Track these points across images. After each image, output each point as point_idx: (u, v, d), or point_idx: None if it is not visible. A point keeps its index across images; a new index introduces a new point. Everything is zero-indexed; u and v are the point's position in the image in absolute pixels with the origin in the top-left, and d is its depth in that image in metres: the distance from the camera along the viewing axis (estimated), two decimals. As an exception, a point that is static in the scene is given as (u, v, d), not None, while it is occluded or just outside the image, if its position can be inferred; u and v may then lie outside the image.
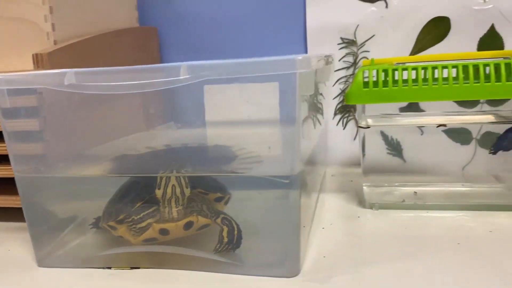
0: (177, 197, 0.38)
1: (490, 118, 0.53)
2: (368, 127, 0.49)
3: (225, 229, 0.39)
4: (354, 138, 0.69)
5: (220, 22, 0.70)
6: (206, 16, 0.70)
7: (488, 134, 0.56)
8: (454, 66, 0.43)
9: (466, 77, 0.42)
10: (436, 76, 0.43)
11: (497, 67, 0.42)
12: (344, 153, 0.69)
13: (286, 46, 0.69)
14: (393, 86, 0.44)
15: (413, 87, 0.43)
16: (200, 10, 0.71)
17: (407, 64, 0.45)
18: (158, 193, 0.38)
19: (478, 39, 0.62)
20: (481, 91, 0.42)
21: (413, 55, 0.64)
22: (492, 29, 0.62)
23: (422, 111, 0.57)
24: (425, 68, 0.44)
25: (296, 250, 0.36)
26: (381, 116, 0.56)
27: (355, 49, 0.66)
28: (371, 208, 0.50)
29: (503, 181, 0.53)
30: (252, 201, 0.40)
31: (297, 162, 0.35)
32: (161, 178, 0.38)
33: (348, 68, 0.67)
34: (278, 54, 0.70)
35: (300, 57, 0.31)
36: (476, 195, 0.51)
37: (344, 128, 0.69)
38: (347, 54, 0.66)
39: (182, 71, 0.32)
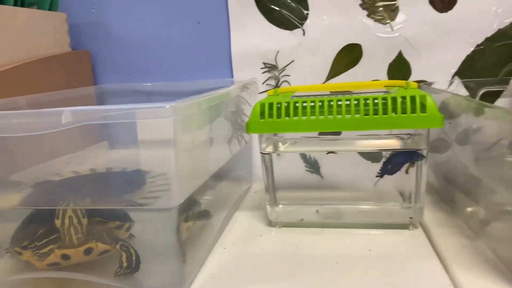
0: (75, 226, 0.41)
1: (394, 142, 0.57)
2: (268, 153, 0.53)
3: (124, 254, 0.42)
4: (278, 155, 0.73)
5: (152, 45, 0.74)
6: (138, 40, 0.74)
7: (396, 153, 0.61)
8: (339, 100, 0.47)
9: (348, 110, 0.47)
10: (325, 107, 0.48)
11: (375, 100, 0.47)
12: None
13: (213, 69, 0.72)
14: (285, 118, 0.48)
15: (302, 118, 0.47)
16: (132, 33, 0.74)
17: (300, 97, 0.49)
18: (58, 222, 0.41)
19: (388, 64, 0.67)
20: (359, 124, 0.46)
21: (329, 79, 0.69)
22: (400, 55, 0.67)
23: (339, 133, 0.61)
24: (313, 101, 0.48)
25: (179, 273, 0.40)
26: (300, 138, 0.60)
27: (276, 73, 0.70)
28: (275, 226, 0.54)
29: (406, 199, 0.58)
30: (147, 224, 0.43)
31: (176, 196, 0.38)
32: (59, 209, 0.41)
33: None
34: (207, 77, 0.74)
35: (168, 105, 0.35)
36: (376, 213, 0.56)
37: (269, 147, 0.73)
38: (269, 77, 0.70)
39: (65, 115, 0.35)
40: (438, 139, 0.61)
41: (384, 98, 0.46)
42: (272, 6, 0.68)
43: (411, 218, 0.52)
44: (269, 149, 0.54)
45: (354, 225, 0.53)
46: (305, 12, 0.68)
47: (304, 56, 0.69)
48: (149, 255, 0.42)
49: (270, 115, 0.48)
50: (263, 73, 0.70)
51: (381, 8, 0.66)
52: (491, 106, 0.44)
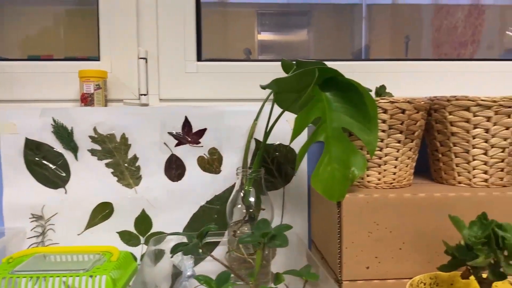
0: None
1: None
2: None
3: None
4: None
5: None
6: None
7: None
8: (44, 276, 0.62)
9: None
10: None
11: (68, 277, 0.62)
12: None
13: (-12, 217, 0.84)
14: (-1, 291, 0.61)
15: (12, 292, 0.61)
16: None
17: (17, 273, 0.63)
18: None
19: (134, 218, 0.85)
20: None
21: (87, 229, 0.85)
22: (143, 212, 0.85)
23: None
24: (25, 277, 0.62)
25: None
26: None
27: (43, 222, 0.84)
28: None
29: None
30: None
31: None
32: None
33: (38, 236, 0.84)
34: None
35: None
36: None
37: None
38: (37, 226, 0.84)
39: None
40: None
41: (77, 275, 0.63)
42: (39, 169, 0.84)
43: None
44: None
45: None
46: (67, 175, 0.84)
47: (67, 209, 0.84)
48: None
49: (-12, 288, 0.62)
50: (31, 221, 0.84)
51: (128, 176, 0.85)
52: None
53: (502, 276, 0.53)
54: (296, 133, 0.62)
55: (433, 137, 0.75)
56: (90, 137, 0.84)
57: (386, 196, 0.66)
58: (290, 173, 0.87)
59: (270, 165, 0.87)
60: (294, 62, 0.77)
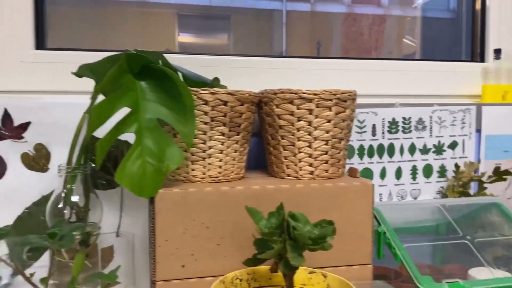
0: None
1: None
2: None
3: None
4: None
5: None
6: None
7: None
8: None
9: None
10: None
11: None
12: None
13: None
14: None
15: None
16: None
17: None
18: None
19: None
20: None
21: None
22: (-44, 216, 0.76)
23: None
24: None
25: None
26: None
27: None
28: None
29: None
30: None
31: None
32: None
33: None
34: None
35: None
36: None
37: None
38: None
39: None
40: None
41: None
42: None
43: None
44: None
45: None
46: None
47: None
48: None
49: None
50: None
51: None
52: None
53: (292, 268, 0.52)
54: (95, 124, 0.57)
55: (265, 131, 0.74)
56: None
57: (202, 190, 0.63)
58: (129, 170, 0.82)
59: (105, 162, 0.81)
60: (134, 52, 0.72)
